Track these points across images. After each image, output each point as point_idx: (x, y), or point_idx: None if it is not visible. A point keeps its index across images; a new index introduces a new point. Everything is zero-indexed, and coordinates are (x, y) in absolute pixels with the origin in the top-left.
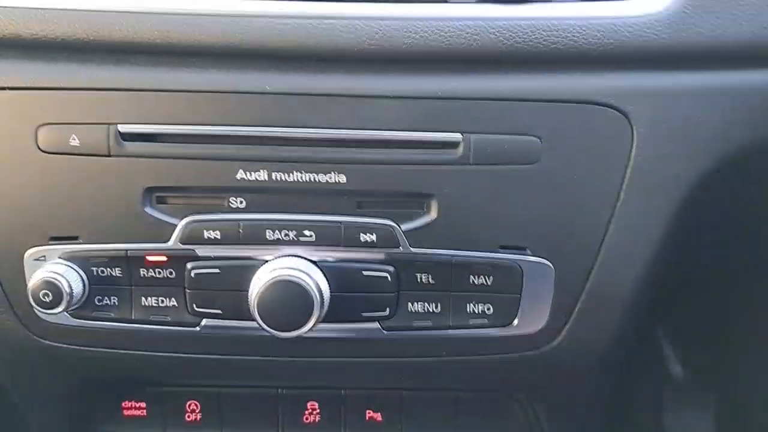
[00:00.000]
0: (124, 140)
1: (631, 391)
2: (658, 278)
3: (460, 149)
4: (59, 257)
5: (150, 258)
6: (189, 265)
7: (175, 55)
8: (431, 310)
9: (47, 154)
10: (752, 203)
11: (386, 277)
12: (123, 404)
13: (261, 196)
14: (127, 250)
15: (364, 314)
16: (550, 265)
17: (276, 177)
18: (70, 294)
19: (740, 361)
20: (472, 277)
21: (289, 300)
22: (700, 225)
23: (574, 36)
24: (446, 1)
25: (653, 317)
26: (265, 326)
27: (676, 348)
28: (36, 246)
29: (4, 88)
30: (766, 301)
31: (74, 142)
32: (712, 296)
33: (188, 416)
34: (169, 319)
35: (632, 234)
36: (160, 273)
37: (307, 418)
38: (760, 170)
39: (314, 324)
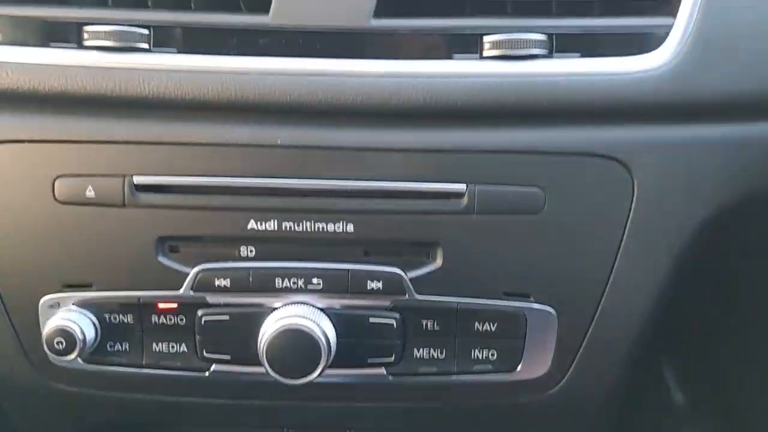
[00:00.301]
0: (139, 191)
1: (633, 421)
2: (661, 320)
3: (465, 199)
4: (73, 304)
5: (161, 305)
6: (199, 312)
7: (189, 109)
8: (436, 356)
9: (63, 205)
10: (753, 248)
11: (392, 324)
12: None
13: (271, 245)
14: (139, 298)
15: (370, 360)
16: (553, 312)
17: (286, 227)
18: (83, 341)
19: (741, 391)
20: (476, 323)
21: (297, 348)
22: (701, 270)
23: (575, 92)
24: (451, 58)
25: (655, 352)
26: (273, 373)
27: (678, 378)
28: (51, 293)
29: (22, 141)
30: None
31: (90, 193)
32: (714, 330)
33: None
34: (178, 364)
35: (634, 281)
36: (171, 319)
37: None
38: (760, 217)
39: (321, 371)
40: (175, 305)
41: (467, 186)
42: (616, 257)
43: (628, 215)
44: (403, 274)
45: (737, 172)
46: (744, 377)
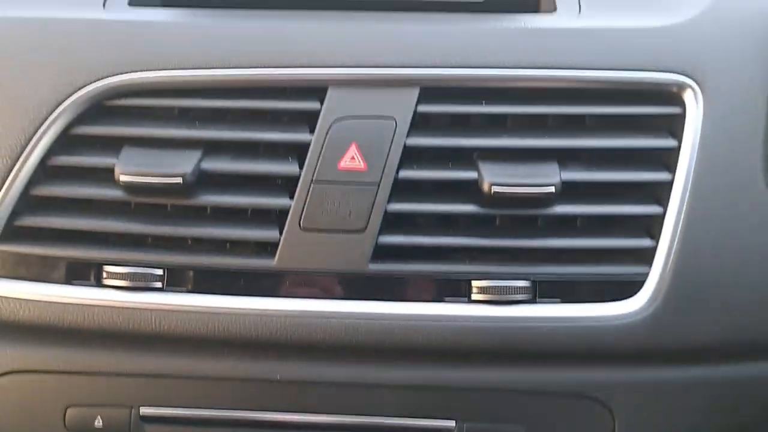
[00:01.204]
0: (144, 422)
1: None
2: None
3: None
4: None
5: None
6: None
7: (195, 344)
8: None
9: None
10: None
11: None
12: None
13: None
14: None
15: None
16: None
17: None
18: None
19: None
20: None
21: None
22: None
23: (557, 336)
24: (442, 301)
25: None
26: None
27: None
28: None
29: (36, 371)
30: None
31: (98, 423)
32: None
33: None
34: None
35: None
36: None
37: None
38: None
39: None
40: None
41: (456, 423)
42: None
43: None
44: None
45: (717, 411)
46: None
